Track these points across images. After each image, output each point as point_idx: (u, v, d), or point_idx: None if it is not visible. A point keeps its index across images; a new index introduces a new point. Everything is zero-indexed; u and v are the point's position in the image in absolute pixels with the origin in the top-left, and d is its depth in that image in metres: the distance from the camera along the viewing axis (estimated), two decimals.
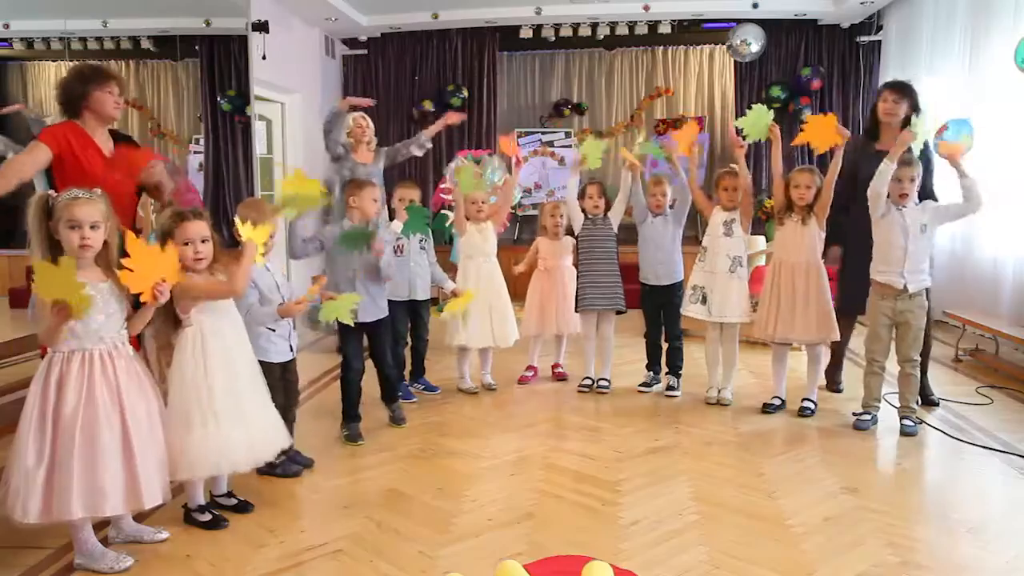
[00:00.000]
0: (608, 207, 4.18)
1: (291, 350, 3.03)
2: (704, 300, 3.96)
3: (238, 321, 2.65)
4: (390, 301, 3.74)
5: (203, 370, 2.46)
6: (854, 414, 3.67)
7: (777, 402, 3.90)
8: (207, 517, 2.58)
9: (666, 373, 4.28)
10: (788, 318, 3.75)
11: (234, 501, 2.71)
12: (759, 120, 3.81)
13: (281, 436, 2.69)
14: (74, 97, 2.92)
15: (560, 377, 4.56)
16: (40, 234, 2.19)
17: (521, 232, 8.19)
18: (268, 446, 2.63)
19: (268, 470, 2.95)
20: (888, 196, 3.48)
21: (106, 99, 2.95)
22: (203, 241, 2.48)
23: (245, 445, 2.52)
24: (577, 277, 4.26)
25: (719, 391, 4.04)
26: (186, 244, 2.45)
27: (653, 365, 4.34)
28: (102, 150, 3.00)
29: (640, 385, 4.30)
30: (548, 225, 4.47)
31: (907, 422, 3.54)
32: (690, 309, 4.02)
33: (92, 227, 2.18)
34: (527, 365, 4.58)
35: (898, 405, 3.61)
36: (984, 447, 3.34)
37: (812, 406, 3.82)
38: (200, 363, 2.47)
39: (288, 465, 3.02)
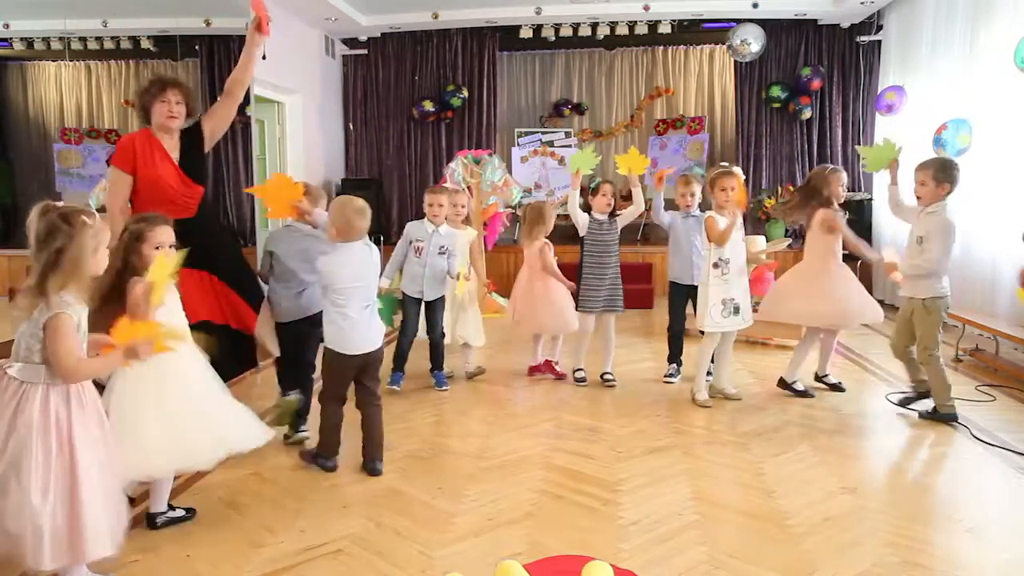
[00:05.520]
0: (617, 208, 4.26)
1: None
2: (736, 311, 3.89)
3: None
4: (404, 295, 4.17)
5: (146, 369, 2.27)
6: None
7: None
8: (174, 514, 2.56)
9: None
10: None
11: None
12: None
13: (254, 433, 2.57)
14: (142, 109, 3.18)
15: (558, 376, 4.57)
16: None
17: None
18: (231, 443, 2.51)
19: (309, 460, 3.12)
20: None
21: (161, 110, 3.13)
22: (171, 246, 2.42)
23: (201, 444, 2.43)
24: (580, 277, 4.27)
25: (731, 388, 4.10)
26: (157, 248, 2.39)
27: (675, 357, 4.43)
28: (170, 155, 3.17)
29: (665, 375, 4.41)
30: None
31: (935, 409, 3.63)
32: (724, 324, 3.88)
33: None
34: (544, 359, 4.59)
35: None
36: (984, 446, 3.35)
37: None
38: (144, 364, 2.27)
39: (325, 460, 3.09)
